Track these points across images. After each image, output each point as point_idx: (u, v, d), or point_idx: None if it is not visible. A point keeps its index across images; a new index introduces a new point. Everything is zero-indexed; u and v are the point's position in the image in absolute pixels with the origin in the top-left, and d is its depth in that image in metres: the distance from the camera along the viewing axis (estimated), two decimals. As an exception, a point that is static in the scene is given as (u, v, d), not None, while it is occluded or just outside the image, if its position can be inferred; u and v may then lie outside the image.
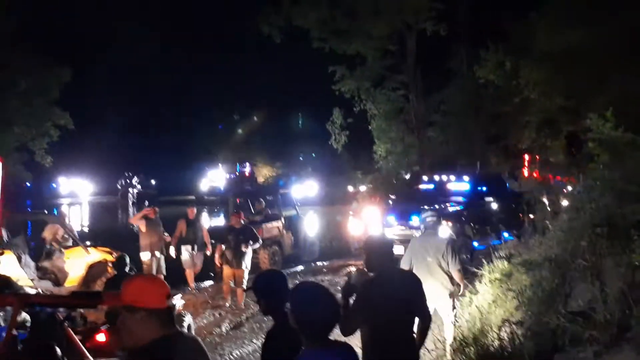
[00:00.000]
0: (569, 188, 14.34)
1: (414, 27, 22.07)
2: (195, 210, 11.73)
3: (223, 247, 10.11)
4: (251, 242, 9.98)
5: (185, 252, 11.26)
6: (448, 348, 6.38)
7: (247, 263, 9.92)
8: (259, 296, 3.42)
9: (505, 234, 12.10)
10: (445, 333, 6.58)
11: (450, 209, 12.25)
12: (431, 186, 14.41)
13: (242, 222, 10.29)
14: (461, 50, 24.70)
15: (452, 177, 14.23)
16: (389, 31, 21.91)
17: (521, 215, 13.78)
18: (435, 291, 6.17)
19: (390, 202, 15.59)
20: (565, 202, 14.02)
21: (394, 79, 24.14)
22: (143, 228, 10.71)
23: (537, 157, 22.47)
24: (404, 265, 6.43)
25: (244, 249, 9.80)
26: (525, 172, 21.97)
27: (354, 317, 3.81)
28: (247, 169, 44.65)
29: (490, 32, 20.83)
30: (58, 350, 4.20)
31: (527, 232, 12.22)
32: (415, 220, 12.03)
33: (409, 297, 4.03)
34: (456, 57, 24.99)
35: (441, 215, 11.65)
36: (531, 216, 14.09)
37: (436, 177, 14.76)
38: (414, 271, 6.24)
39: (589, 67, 11.61)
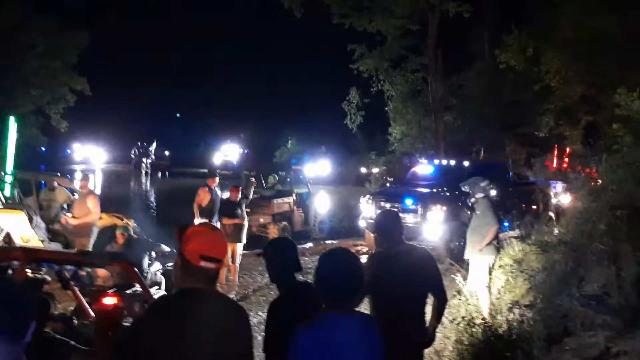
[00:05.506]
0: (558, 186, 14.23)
1: (437, 7, 21.59)
2: (217, 179, 10.46)
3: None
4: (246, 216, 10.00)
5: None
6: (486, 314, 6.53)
7: (244, 237, 9.83)
8: (267, 263, 3.36)
9: (505, 224, 11.74)
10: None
11: (448, 194, 12.08)
12: (431, 170, 14.23)
13: (239, 196, 10.06)
14: (484, 34, 24.27)
15: (452, 162, 13.99)
16: (411, 10, 21.48)
17: (524, 205, 13.53)
18: None
19: (387, 184, 15.42)
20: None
21: (413, 60, 23.76)
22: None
23: (556, 146, 22.13)
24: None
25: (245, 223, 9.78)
26: (554, 163, 21.49)
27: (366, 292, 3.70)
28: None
29: (514, 16, 20.49)
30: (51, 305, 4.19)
31: (528, 222, 11.98)
32: (408, 202, 11.92)
33: (422, 273, 3.93)
34: (478, 40, 24.57)
35: (436, 199, 11.65)
36: (534, 207, 13.88)
37: (435, 162, 14.54)
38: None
39: (611, 55, 11.36)
